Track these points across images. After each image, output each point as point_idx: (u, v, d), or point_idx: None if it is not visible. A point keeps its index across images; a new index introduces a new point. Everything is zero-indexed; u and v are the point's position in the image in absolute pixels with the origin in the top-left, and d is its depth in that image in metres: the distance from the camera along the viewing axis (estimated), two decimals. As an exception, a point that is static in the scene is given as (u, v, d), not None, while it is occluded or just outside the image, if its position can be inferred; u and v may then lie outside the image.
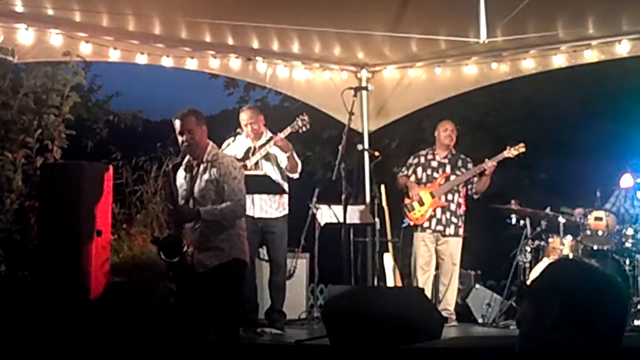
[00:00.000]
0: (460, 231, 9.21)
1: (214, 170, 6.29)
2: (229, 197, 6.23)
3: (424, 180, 9.33)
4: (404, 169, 9.52)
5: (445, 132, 9.36)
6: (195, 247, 6.19)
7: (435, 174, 9.28)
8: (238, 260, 6.31)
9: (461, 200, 9.26)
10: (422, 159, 9.43)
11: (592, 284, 2.36)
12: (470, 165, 9.27)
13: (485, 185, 9.22)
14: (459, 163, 9.29)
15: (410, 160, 9.53)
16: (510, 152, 9.20)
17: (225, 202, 6.23)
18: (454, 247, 9.16)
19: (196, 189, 6.33)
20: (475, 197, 9.34)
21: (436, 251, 9.20)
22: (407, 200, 9.27)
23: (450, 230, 9.15)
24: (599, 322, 2.31)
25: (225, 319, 6.28)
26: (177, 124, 6.35)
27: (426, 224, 9.17)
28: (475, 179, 9.25)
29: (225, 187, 6.24)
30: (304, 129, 8.47)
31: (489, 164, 9.09)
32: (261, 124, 8.49)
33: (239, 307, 6.70)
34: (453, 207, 9.19)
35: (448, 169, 9.28)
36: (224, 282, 6.22)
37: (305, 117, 8.47)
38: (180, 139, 6.36)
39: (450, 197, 9.20)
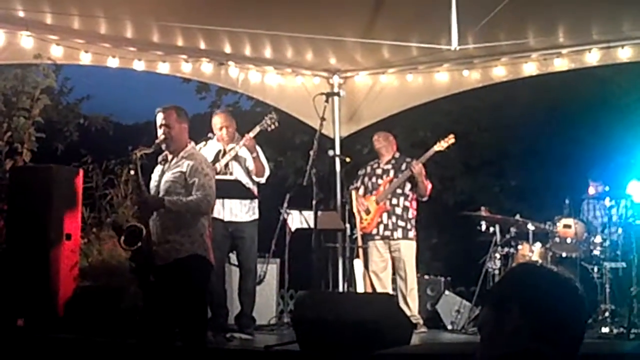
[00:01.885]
0: (410, 234, 9.15)
1: (185, 164, 6.29)
2: (197, 190, 6.21)
3: (370, 188, 9.34)
4: (354, 181, 9.54)
5: (377, 143, 9.46)
6: (155, 240, 6.16)
7: (379, 181, 9.30)
8: (198, 257, 6.26)
9: (408, 204, 9.21)
10: (369, 169, 9.48)
11: (552, 288, 2.37)
12: (409, 169, 9.23)
13: (424, 188, 9.16)
14: (403, 166, 9.26)
15: (359, 172, 9.58)
16: (440, 145, 9.21)
17: (192, 195, 6.22)
18: (405, 251, 9.10)
19: (163, 180, 6.32)
20: (423, 199, 9.31)
21: (392, 258, 9.18)
22: (355, 212, 9.26)
23: (398, 233, 9.12)
24: (560, 327, 2.33)
25: (189, 318, 6.24)
26: (159, 117, 6.38)
27: (374, 231, 9.18)
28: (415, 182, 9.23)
29: (195, 181, 6.23)
30: (273, 127, 8.48)
31: (415, 168, 9.07)
32: (234, 128, 8.49)
33: (204, 307, 6.66)
34: (399, 210, 9.16)
35: (392, 173, 9.28)
36: (184, 278, 6.18)
37: (274, 115, 8.49)
38: (158, 132, 6.37)
39: (395, 201, 9.18)
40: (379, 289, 9.03)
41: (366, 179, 9.42)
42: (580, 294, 2.41)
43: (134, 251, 6.18)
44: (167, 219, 6.22)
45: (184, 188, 6.26)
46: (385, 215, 9.15)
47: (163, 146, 6.41)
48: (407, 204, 9.21)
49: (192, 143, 6.55)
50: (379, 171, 9.38)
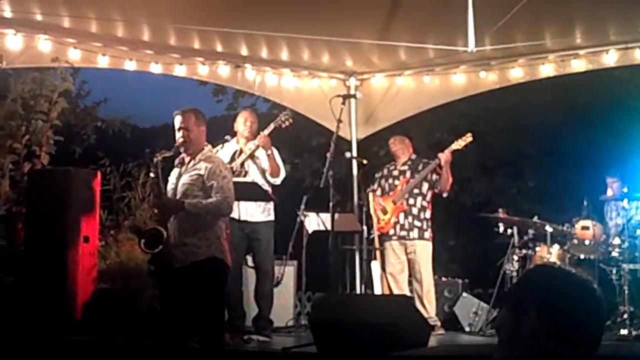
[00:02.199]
0: (426, 234, 9.14)
1: (203, 166, 6.30)
2: (216, 193, 6.22)
3: (387, 189, 9.35)
4: (371, 184, 9.54)
5: (392, 146, 9.50)
6: (172, 242, 6.17)
7: (396, 182, 9.30)
8: (216, 259, 6.27)
9: (425, 204, 9.21)
10: (385, 171, 9.49)
11: (569, 290, 2.37)
12: (434, 161, 9.22)
13: (447, 181, 9.14)
14: (420, 167, 9.28)
15: (376, 175, 9.59)
16: (458, 144, 9.19)
17: (211, 198, 6.23)
18: (421, 252, 9.09)
19: (180, 182, 6.34)
20: (444, 195, 9.29)
21: (408, 261, 9.17)
22: (371, 212, 9.27)
23: (414, 233, 9.11)
24: (577, 328, 2.33)
25: (207, 321, 6.24)
26: (177, 119, 6.40)
27: (391, 232, 9.17)
28: (436, 177, 9.21)
29: (213, 184, 6.24)
30: (287, 123, 8.50)
31: (443, 156, 9.06)
32: (257, 127, 8.52)
33: (221, 309, 6.67)
34: (415, 210, 9.16)
35: (408, 174, 9.29)
36: (202, 281, 6.19)
37: (288, 112, 8.53)
38: (177, 134, 6.39)
39: (412, 201, 9.18)
40: (396, 291, 9.02)
41: (382, 180, 9.43)
42: (598, 295, 2.40)
43: (153, 254, 6.19)
44: (184, 222, 6.23)
45: (202, 191, 6.27)
46: (402, 215, 9.15)
47: (181, 149, 6.43)
48: (425, 203, 9.20)
49: (209, 146, 6.57)
50: (395, 172, 9.38)
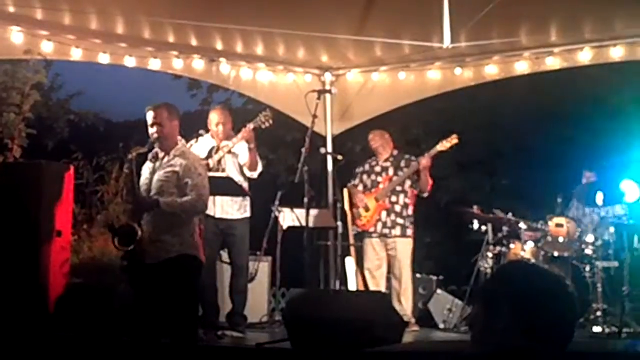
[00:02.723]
0: (408, 232, 9.15)
1: (178, 162, 6.28)
2: (191, 191, 6.20)
3: (369, 186, 9.34)
4: (352, 179, 9.52)
5: (372, 142, 9.46)
6: (147, 239, 6.14)
7: (379, 179, 9.29)
8: (189, 257, 6.26)
9: (408, 201, 9.21)
10: (367, 167, 9.46)
11: (542, 286, 2.39)
12: (414, 164, 9.23)
13: (427, 183, 9.15)
14: (403, 163, 9.27)
15: (357, 170, 9.56)
16: (444, 145, 9.16)
17: (187, 196, 6.21)
18: (402, 249, 9.11)
19: (155, 179, 6.31)
20: (424, 195, 9.31)
21: (388, 257, 9.17)
22: (354, 209, 9.26)
23: (396, 231, 9.11)
24: (549, 324, 2.35)
25: (180, 317, 6.22)
26: (150, 115, 6.38)
27: (372, 229, 9.17)
28: (417, 177, 9.21)
29: (189, 181, 6.23)
30: (267, 124, 8.44)
31: (422, 161, 9.06)
32: (231, 125, 8.47)
33: (195, 305, 6.65)
34: (398, 208, 9.16)
35: (391, 171, 9.28)
36: (174, 277, 6.17)
37: (268, 113, 8.45)
38: (150, 130, 6.35)
39: (394, 198, 9.18)
40: (372, 287, 9.02)
41: (365, 176, 9.40)
42: (570, 292, 2.43)
43: (126, 251, 6.16)
44: (160, 220, 6.21)
45: (177, 188, 6.25)
46: (384, 213, 9.14)
47: (155, 145, 6.40)
48: (407, 201, 9.21)
49: (183, 141, 6.53)
50: (377, 169, 9.36)
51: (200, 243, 6.44)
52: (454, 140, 9.17)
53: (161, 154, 6.42)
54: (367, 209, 9.19)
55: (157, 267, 6.16)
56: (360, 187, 9.38)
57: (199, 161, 6.53)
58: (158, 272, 6.16)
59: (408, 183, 9.22)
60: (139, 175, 6.44)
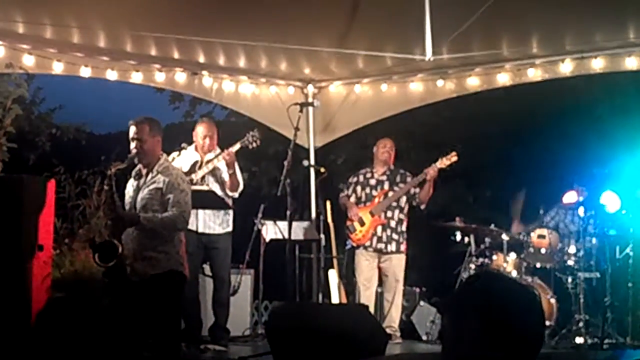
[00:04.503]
0: (402, 247, 9.18)
1: (161, 179, 6.27)
2: (172, 207, 6.19)
3: (363, 199, 9.33)
4: (344, 188, 9.52)
5: (384, 149, 9.39)
6: (132, 255, 6.13)
7: (373, 192, 9.28)
8: (175, 272, 6.25)
9: (402, 217, 9.23)
10: (361, 178, 9.44)
11: (510, 297, 2.40)
12: (409, 179, 9.24)
13: (428, 194, 9.18)
14: (398, 178, 9.29)
15: (350, 179, 9.55)
16: (443, 163, 9.17)
17: (168, 212, 6.19)
18: (396, 264, 9.14)
19: (140, 196, 6.30)
20: (422, 207, 9.32)
21: (379, 268, 9.19)
22: (348, 222, 9.26)
23: (392, 247, 9.13)
24: (518, 335, 2.35)
25: (163, 332, 6.20)
26: (132, 130, 6.37)
27: (367, 243, 9.16)
28: (417, 189, 9.22)
29: (170, 197, 6.22)
30: (254, 144, 8.44)
31: (431, 171, 9.07)
32: (216, 138, 8.47)
33: (177, 321, 6.63)
34: (393, 223, 9.18)
35: (386, 185, 9.28)
36: (160, 294, 6.16)
37: (256, 133, 8.45)
38: (131, 144, 6.34)
39: (390, 213, 9.19)
40: (364, 300, 9.01)
41: (359, 188, 9.38)
42: (538, 302, 2.44)
43: (107, 267, 6.14)
44: (144, 236, 6.20)
45: (161, 205, 6.24)
46: (379, 228, 9.14)
47: (135, 160, 6.38)
48: (402, 216, 9.22)
49: (165, 156, 6.51)
50: (372, 182, 9.34)
51: (185, 258, 6.43)
52: (452, 157, 9.18)
53: (144, 171, 6.40)
54: (362, 223, 9.18)
55: (142, 284, 6.15)
56: (353, 199, 9.37)
57: (182, 177, 6.51)
58: (144, 289, 6.15)
59: (404, 199, 9.23)
60: (119, 191, 6.43)
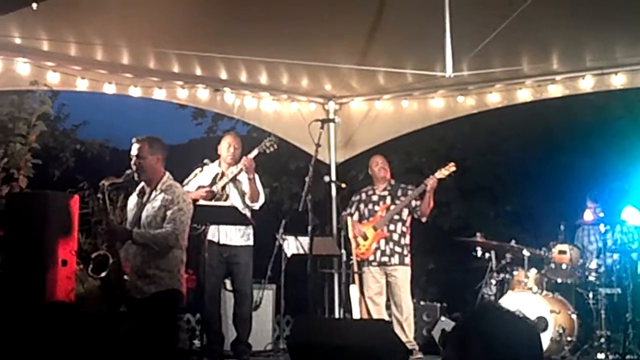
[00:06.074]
0: (406, 260, 9.18)
1: (164, 197, 6.32)
2: (167, 223, 6.24)
3: (366, 215, 9.37)
4: (347, 207, 9.55)
5: (377, 166, 9.44)
6: (134, 272, 6.19)
7: (376, 207, 9.32)
8: (176, 291, 6.32)
9: (405, 229, 9.25)
10: (363, 195, 9.49)
11: (510, 328, 2.47)
12: (410, 192, 9.27)
13: (428, 206, 9.18)
14: (399, 192, 9.31)
15: (352, 198, 9.59)
16: (442, 173, 9.17)
17: (162, 228, 6.25)
18: (401, 276, 9.12)
19: (144, 214, 6.36)
20: (423, 219, 9.32)
21: (388, 284, 9.19)
22: (350, 236, 9.28)
23: (395, 259, 9.14)
24: None
25: (164, 348, 6.25)
26: (133, 147, 6.47)
27: (371, 257, 9.19)
28: (418, 202, 9.23)
29: (167, 214, 6.27)
30: (271, 149, 8.54)
31: (430, 181, 9.08)
32: (240, 152, 8.56)
33: (176, 337, 6.70)
34: (396, 236, 9.19)
35: (388, 200, 9.31)
36: (161, 311, 6.22)
37: (272, 138, 8.56)
38: (132, 161, 6.45)
39: (392, 227, 9.21)
40: (375, 315, 9.03)
41: (362, 205, 9.43)
42: (536, 334, 2.52)
43: (103, 281, 6.21)
44: (146, 253, 6.25)
45: (163, 222, 6.30)
46: (382, 241, 9.17)
47: (135, 176, 6.46)
48: (404, 229, 9.24)
49: (168, 174, 6.56)
50: (374, 198, 9.39)
51: (184, 277, 6.49)
52: (451, 167, 9.20)
53: (147, 189, 6.47)
54: (365, 238, 9.21)
55: (145, 301, 6.21)
56: (356, 216, 9.41)
57: (183, 195, 6.52)
58: (144, 307, 6.20)
59: (405, 212, 9.25)
60: (112, 204, 6.52)
